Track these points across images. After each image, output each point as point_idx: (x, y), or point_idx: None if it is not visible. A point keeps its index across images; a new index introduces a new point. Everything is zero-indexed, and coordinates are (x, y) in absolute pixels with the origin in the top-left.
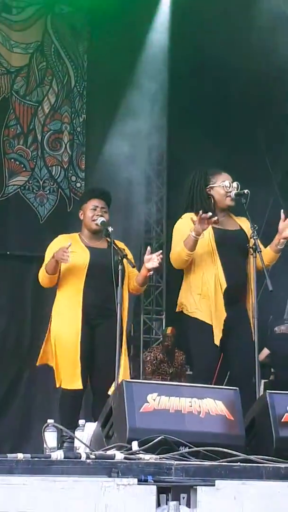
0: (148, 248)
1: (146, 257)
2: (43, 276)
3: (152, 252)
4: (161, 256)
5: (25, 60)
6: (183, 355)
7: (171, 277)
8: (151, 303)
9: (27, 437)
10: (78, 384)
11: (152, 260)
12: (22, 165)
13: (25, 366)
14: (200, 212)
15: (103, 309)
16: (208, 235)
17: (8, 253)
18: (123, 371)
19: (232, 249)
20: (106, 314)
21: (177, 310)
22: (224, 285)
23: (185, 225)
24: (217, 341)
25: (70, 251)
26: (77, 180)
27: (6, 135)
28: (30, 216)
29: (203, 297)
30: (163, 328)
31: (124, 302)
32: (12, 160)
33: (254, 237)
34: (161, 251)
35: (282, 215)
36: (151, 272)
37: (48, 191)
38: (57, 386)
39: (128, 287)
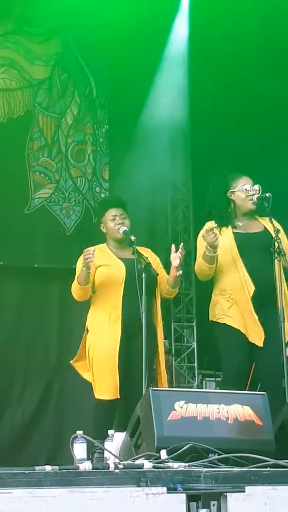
0: (173, 246)
1: (172, 256)
2: (75, 289)
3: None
4: (182, 251)
5: (47, 73)
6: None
7: (201, 284)
8: (181, 310)
9: (61, 449)
10: (114, 394)
11: (175, 258)
12: (47, 177)
13: (54, 379)
14: (206, 226)
15: (140, 320)
16: (229, 241)
17: (36, 266)
18: (163, 380)
19: (255, 252)
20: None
21: (210, 319)
22: (252, 289)
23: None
24: (253, 340)
25: (93, 252)
26: (101, 191)
27: (31, 148)
28: (56, 228)
29: (231, 302)
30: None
31: (157, 311)
32: (37, 172)
33: (277, 240)
34: (182, 244)
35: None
36: (180, 272)
37: (73, 203)
38: (98, 398)
39: (161, 292)
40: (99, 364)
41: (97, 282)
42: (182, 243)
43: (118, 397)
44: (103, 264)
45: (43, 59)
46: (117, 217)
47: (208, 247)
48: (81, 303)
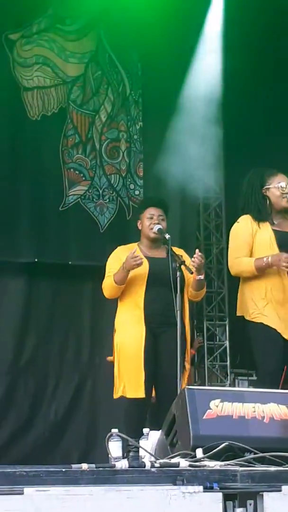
0: (196, 250)
1: (192, 260)
2: (110, 287)
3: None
4: (199, 255)
5: (80, 70)
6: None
7: (233, 283)
8: (213, 309)
9: (94, 447)
10: (141, 393)
11: (192, 262)
12: (82, 175)
13: (86, 376)
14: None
15: (165, 318)
16: (269, 238)
17: (69, 263)
18: (186, 377)
19: None
20: (168, 322)
21: (238, 314)
22: None
23: (242, 229)
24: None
25: (137, 255)
26: (136, 188)
27: (65, 145)
28: (90, 225)
29: (268, 301)
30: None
31: (184, 309)
32: (72, 169)
33: None
34: (197, 252)
35: None
36: (201, 276)
37: (107, 200)
38: (115, 396)
39: (186, 294)
40: (125, 363)
41: None
42: (197, 249)
43: (143, 396)
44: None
45: (77, 57)
46: (155, 217)
47: (269, 259)
48: (114, 301)
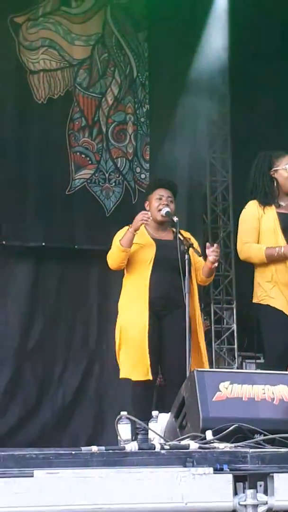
0: (208, 244)
1: (208, 251)
2: (116, 251)
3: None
4: (217, 249)
5: (87, 52)
6: None
7: (240, 266)
8: (220, 292)
9: (102, 430)
10: (147, 375)
11: (209, 255)
12: (88, 158)
13: (94, 360)
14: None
15: (170, 300)
16: (273, 221)
17: (76, 247)
18: (204, 360)
19: None
20: (173, 305)
21: (254, 300)
22: None
23: (249, 214)
24: None
25: (147, 218)
26: (142, 171)
27: (72, 128)
28: (96, 209)
29: (274, 283)
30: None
31: (193, 292)
32: (78, 153)
33: None
34: (216, 245)
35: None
36: (215, 264)
37: (113, 184)
38: (121, 376)
39: (196, 278)
40: (129, 346)
41: (129, 261)
42: (216, 244)
43: (151, 378)
44: (136, 243)
45: (83, 39)
46: (164, 198)
47: (283, 250)
48: (121, 285)
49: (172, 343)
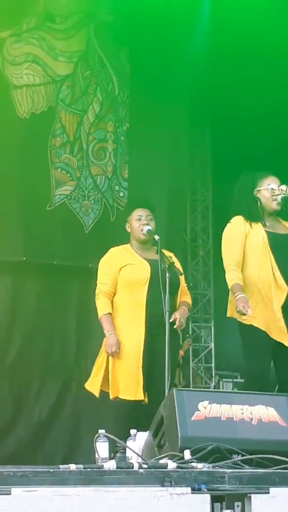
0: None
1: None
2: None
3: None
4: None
5: (69, 69)
6: None
7: (219, 284)
8: (199, 311)
9: (78, 448)
10: (139, 395)
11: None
12: (69, 175)
13: (72, 377)
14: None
15: (162, 319)
16: (262, 239)
17: (55, 263)
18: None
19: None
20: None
21: (228, 315)
22: (286, 289)
23: (234, 230)
24: (275, 337)
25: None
26: (120, 189)
27: (53, 144)
28: (75, 226)
29: (258, 303)
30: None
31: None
32: (59, 169)
33: None
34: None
35: None
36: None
37: (92, 201)
38: (111, 397)
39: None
40: (123, 364)
41: (122, 282)
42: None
43: (142, 398)
44: (128, 264)
45: (66, 55)
46: (143, 218)
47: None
48: None
49: (162, 363)
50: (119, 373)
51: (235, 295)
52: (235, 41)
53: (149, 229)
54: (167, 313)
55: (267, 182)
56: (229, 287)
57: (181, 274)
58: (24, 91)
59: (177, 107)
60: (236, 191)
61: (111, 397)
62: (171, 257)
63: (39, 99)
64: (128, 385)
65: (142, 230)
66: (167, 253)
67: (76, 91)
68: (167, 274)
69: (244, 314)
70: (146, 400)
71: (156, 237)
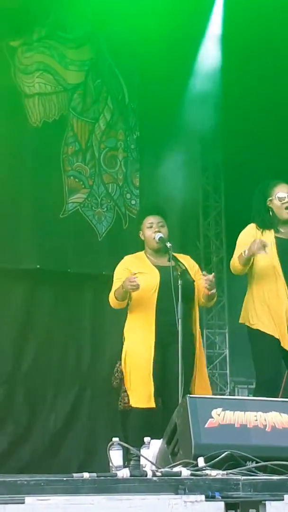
0: (210, 276)
1: (203, 279)
2: (113, 301)
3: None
4: (211, 279)
5: (81, 78)
6: None
7: (233, 291)
8: (213, 317)
9: (93, 456)
10: (151, 403)
11: (205, 282)
12: (81, 182)
13: (86, 385)
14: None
15: (175, 327)
16: (270, 244)
17: (69, 270)
18: (205, 386)
19: None
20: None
21: (240, 321)
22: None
23: (246, 234)
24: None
25: (136, 277)
26: (132, 197)
27: (66, 152)
28: (89, 233)
29: (266, 308)
30: None
31: (195, 319)
32: (72, 177)
33: None
34: (213, 274)
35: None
36: (213, 291)
37: (105, 209)
38: (133, 405)
39: (198, 300)
40: (134, 373)
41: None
42: (213, 273)
43: (154, 406)
44: (138, 272)
45: (77, 64)
46: (154, 225)
47: (246, 251)
48: (114, 310)
49: (176, 371)
50: (132, 382)
51: (243, 251)
52: (248, 51)
53: (161, 236)
54: (179, 320)
55: (277, 190)
56: (235, 259)
57: (193, 281)
58: (36, 99)
59: (187, 115)
60: (253, 200)
61: (132, 404)
62: (183, 264)
63: (51, 108)
64: (140, 393)
65: (154, 237)
66: (182, 256)
67: (88, 100)
68: (179, 281)
69: (265, 246)
70: (161, 408)
71: (168, 244)
